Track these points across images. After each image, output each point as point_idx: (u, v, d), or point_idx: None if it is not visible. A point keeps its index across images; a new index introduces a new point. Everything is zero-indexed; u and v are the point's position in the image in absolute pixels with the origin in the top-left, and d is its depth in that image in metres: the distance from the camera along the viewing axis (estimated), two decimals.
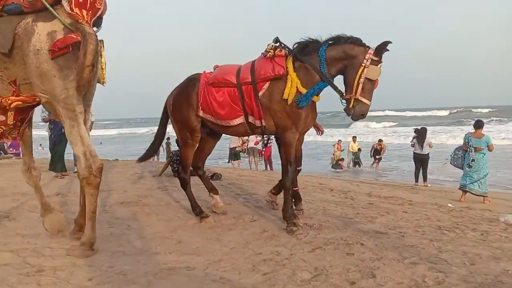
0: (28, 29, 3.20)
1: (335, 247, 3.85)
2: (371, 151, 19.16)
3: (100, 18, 3.43)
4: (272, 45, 4.44)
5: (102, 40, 3.52)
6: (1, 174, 9.25)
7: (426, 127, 13.83)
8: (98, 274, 3.19)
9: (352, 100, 4.09)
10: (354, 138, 20.56)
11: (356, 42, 4.13)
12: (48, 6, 3.18)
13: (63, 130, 8.37)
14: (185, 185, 5.04)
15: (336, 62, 4.20)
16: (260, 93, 4.35)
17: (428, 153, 12.85)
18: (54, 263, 3.40)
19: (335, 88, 4.28)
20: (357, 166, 19.36)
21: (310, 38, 4.34)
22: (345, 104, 4.19)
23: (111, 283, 3.03)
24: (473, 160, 8.71)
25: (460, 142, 9.96)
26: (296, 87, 4.21)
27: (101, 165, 3.53)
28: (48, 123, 8.75)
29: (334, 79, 4.31)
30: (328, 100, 4.74)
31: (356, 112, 4.11)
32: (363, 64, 4.01)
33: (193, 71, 5.04)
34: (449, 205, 6.94)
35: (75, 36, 3.15)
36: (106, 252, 3.71)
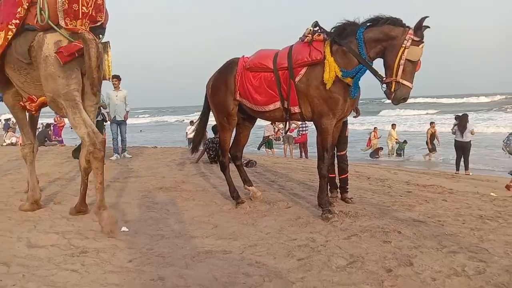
0: (40, 41, 3.87)
1: (372, 235, 3.81)
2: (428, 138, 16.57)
3: (103, 28, 4.13)
4: (311, 30, 4.36)
5: (109, 42, 4.28)
6: (47, 160, 9.69)
7: (467, 113, 13.33)
8: (138, 256, 3.31)
9: (393, 83, 3.93)
10: (393, 125, 19.53)
11: (395, 22, 3.98)
12: (53, 25, 3.83)
13: None
14: (224, 168, 5.12)
15: (375, 44, 4.07)
16: (297, 79, 4.31)
17: (470, 141, 12.38)
18: (97, 245, 3.56)
19: (375, 72, 4.15)
20: (400, 157, 17.76)
21: (348, 21, 4.23)
22: (385, 88, 4.04)
23: (151, 264, 3.14)
24: None
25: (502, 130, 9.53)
26: (335, 72, 4.13)
27: (103, 139, 3.98)
28: None
29: (373, 63, 4.20)
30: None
31: (397, 95, 3.95)
32: (403, 45, 3.85)
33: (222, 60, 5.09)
34: (492, 194, 6.68)
35: (78, 44, 3.79)
36: (145, 235, 3.84)
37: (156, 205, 4.94)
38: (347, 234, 3.84)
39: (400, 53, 3.87)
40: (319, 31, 4.35)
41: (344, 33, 4.21)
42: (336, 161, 5.34)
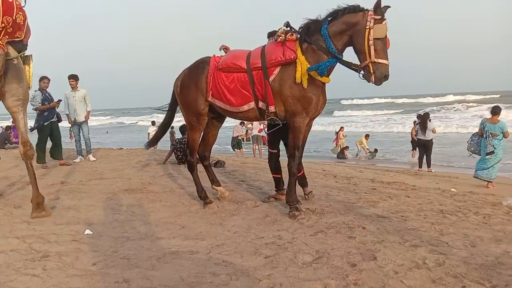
0: None
1: (337, 231, 3.88)
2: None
3: (24, 44, 4.65)
4: (283, 29, 4.38)
5: (31, 55, 4.84)
6: (8, 163, 9.33)
7: (428, 112, 13.79)
8: (103, 259, 3.25)
9: (370, 65, 3.97)
10: (367, 135, 19.11)
11: (354, 9, 4.07)
12: None
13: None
14: (192, 168, 5.07)
15: (340, 36, 4.15)
16: (271, 78, 4.32)
17: (432, 139, 12.80)
18: (59, 249, 3.47)
19: (348, 63, 4.21)
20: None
21: (310, 19, 4.29)
22: (364, 73, 4.07)
23: (115, 267, 3.09)
24: (492, 148, 8.67)
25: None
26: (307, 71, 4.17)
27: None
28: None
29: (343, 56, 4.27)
30: None
31: (377, 75, 3.98)
32: (367, 27, 3.94)
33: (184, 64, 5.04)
34: (452, 189, 6.94)
35: None
36: (110, 238, 3.77)
37: (121, 207, 4.85)
38: (313, 231, 3.89)
39: (366, 35, 3.94)
40: (291, 30, 4.38)
41: (309, 32, 4.27)
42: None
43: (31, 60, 4.85)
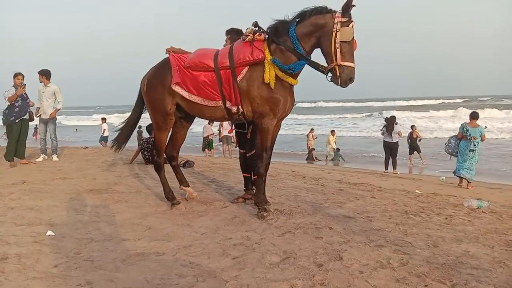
0: None
1: (305, 231, 3.90)
2: (408, 140, 16.17)
3: None
4: (251, 29, 4.34)
5: None
6: None
7: (395, 115, 14.17)
8: (65, 261, 3.14)
9: (337, 68, 3.99)
10: (332, 132, 19.44)
11: (322, 10, 4.08)
12: None
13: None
14: (159, 169, 4.97)
15: (308, 38, 4.15)
16: (239, 78, 4.28)
17: (397, 141, 13.16)
18: (19, 251, 3.34)
19: (315, 64, 4.21)
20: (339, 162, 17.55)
21: (278, 20, 4.28)
22: (331, 76, 4.08)
23: (78, 269, 2.99)
24: (473, 148, 9.37)
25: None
26: (274, 71, 4.16)
27: None
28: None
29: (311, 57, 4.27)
30: None
31: (343, 78, 3.99)
32: (334, 29, 3.95)
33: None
34: (417, 191, 7.13)
35: None
36: (73, 239, 3.66)
37: (85, 208, 4.71)
38: (281, 231, 3.90)
39: (333, 38, 3.95)
40: (260, 30, 4.36)
41: (277, 33, 4.27)
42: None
43: None
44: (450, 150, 10.04)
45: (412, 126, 17.06)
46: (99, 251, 3.37)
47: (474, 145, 9.42)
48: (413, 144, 15.95)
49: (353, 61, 4.00)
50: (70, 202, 5.00)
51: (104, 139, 18.76)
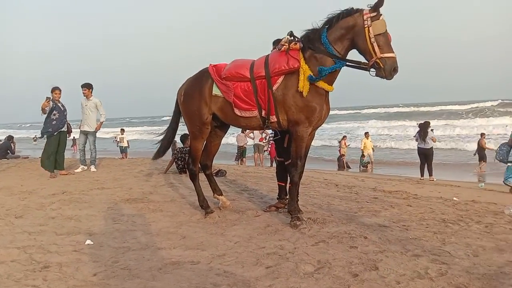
0: None
1: (339, 241, 3.86)
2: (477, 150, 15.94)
3: None
4: (287, 39, 4.38)
5: None
6: (9, 173, 9.35)
7: (429, 121, 13.85)
8: (103, 270, 3.23)
9: (378, 61, 3.98)
10: (366, 134, 19.03)
11: (349, 13, 4.11)
12: None
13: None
14: (194, 177, 5.04)
15: (341, 41, 4.17)
16: (274, 87, 4.32)
17: (432, 147, 12.82)
18: (60, 259, 3.46)
19: (355, 62, 4.21)
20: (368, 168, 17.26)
21: (308, 30, 4.33)
22: (374, 71, 4.07)
23: (116, 277, 3.07)
24: None
25: None
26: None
27: None
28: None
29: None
30: None
31: (387, 69, 3.98)
32: (365, 26, 3.97)
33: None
34: (454, 198, 6.91)
35: None
36: (111, 248, 3.76)
37: (122, 217, 4.83)
38: (315, 241, 3.88)
39: (367, 34, 3.97)
40: (295, 40, 4.39)
41: (310, 41, 4.29)
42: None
43: None
44: (501, 158, 9.89)
45: (482, 134, 16.84)
46: (135, 259, 3.45)
47: None
48: (480, 153, 15.65)
49: (392, 51, 4.00)
50: (108, 211, 5.15)
51: (124, 150, 19.16)
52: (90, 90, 9.41)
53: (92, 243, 3.89)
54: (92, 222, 4.67)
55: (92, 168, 9.47)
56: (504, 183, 9.63)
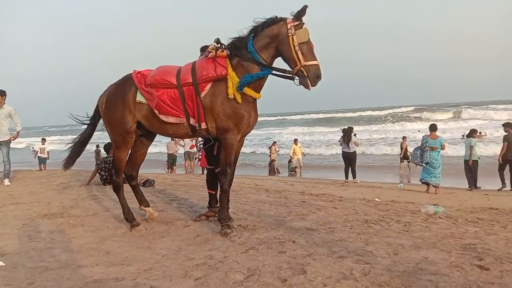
0: None
1: (268, 246, 3.88)
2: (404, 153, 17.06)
3: None
4: (214, 46, 4.34)
5: None
6: None
7: (352, 126, 14.64)
8: None
9: (303, 69, 4.06)
10: (295, 140, 19.53)
11: (272, 22, 4.18)
12: None
13: None
14: (117, 189, 4.81)
15: (266, 49, 4.22)
16: (202, 94, 4.26)
17: (355, 151, 13.52)
18: None
19: (281, 70, 4.25)
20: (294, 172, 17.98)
21: (234, 38, 4.35)
22: (298, 79, 4.13)
23: None
24: (431, 159, 10.33)
25: None
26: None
27: None
28: None
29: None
30: None
31: (311, 77, 4.07)
32: (289, 34, 4.06)
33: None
34: (376, 199, 7.30)
35: None
36: (26, 268, 3.46)
37: (39, 234, 4.48)
38: (245, 248, 3.87)
39: (291, 42, 4.06)
40: (222, 47, 4.37)
41: (237, 48, 4.30)
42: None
43: None
44: (415, 161, 10.93)
45: (403, 137, 18.28)
46: (54, 280, 3.20)
47: (430, 157, 10.29)
48: (405, 154, 16.92)
49: (316, 59, 4.11)
50: (23, 228, 4.75)
51: (42, 161, 18.10)
52: (3, 97, 8.69)
53: (4, 264, 3.55)
54: (5, 241, 4.27)
55: (6, 181, 8.71)
56: (422, 182, 10.56)
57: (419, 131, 26.81)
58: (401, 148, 17.39)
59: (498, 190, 11.11)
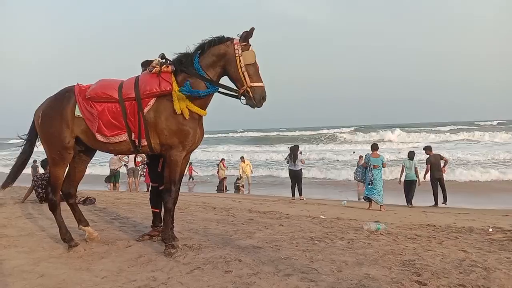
0: None
1: (214, 266, 3.82)
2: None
3: None
4: (158, 61, 4.28)
5: None
6: None
7: (298, 144, 14.99)
8: None
9: (249, 90, 4.09)
10: (242, 158, 19.05)
11: (220, 40, 4.20)
12: None
13: None
14: (54, 207, 4.54)
15: (213, 68, 4.22)
16: (145, 110, 4.16)
17: (301, 169, 13.79)
18: None
19: (227, 88, 4.24)
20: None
21: (180, 53, 4.31)
22: (244, 99, 4.15)
23: None
24: (372, 177, 10.81)
25: None
26: (184, 102, 4.13)
27: None
28: None
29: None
30: None
31: (256, 98, 4.10)
32: (236, 55, 4.09)
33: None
34: (321, 216, 7.44)
35: None
36: None
37: None
38: (189, 268, 3.77)
39: (238, 63, 4.08)
40: (167, 62, 4.30)
41: (182, 65, 4.26)
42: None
43: None
44: (358, 178, 11.69)
45: (360, 156, 18.31)
46: None
47: (373, 175, 10.78)
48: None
49: (261, 81, 4.15)
50: None
51: None
52: None
53: None
54: None
55: None
56: (364, 199, 11.09)
57: (354, 152, 28.20)
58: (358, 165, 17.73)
59: (430, 206, 11.81)
